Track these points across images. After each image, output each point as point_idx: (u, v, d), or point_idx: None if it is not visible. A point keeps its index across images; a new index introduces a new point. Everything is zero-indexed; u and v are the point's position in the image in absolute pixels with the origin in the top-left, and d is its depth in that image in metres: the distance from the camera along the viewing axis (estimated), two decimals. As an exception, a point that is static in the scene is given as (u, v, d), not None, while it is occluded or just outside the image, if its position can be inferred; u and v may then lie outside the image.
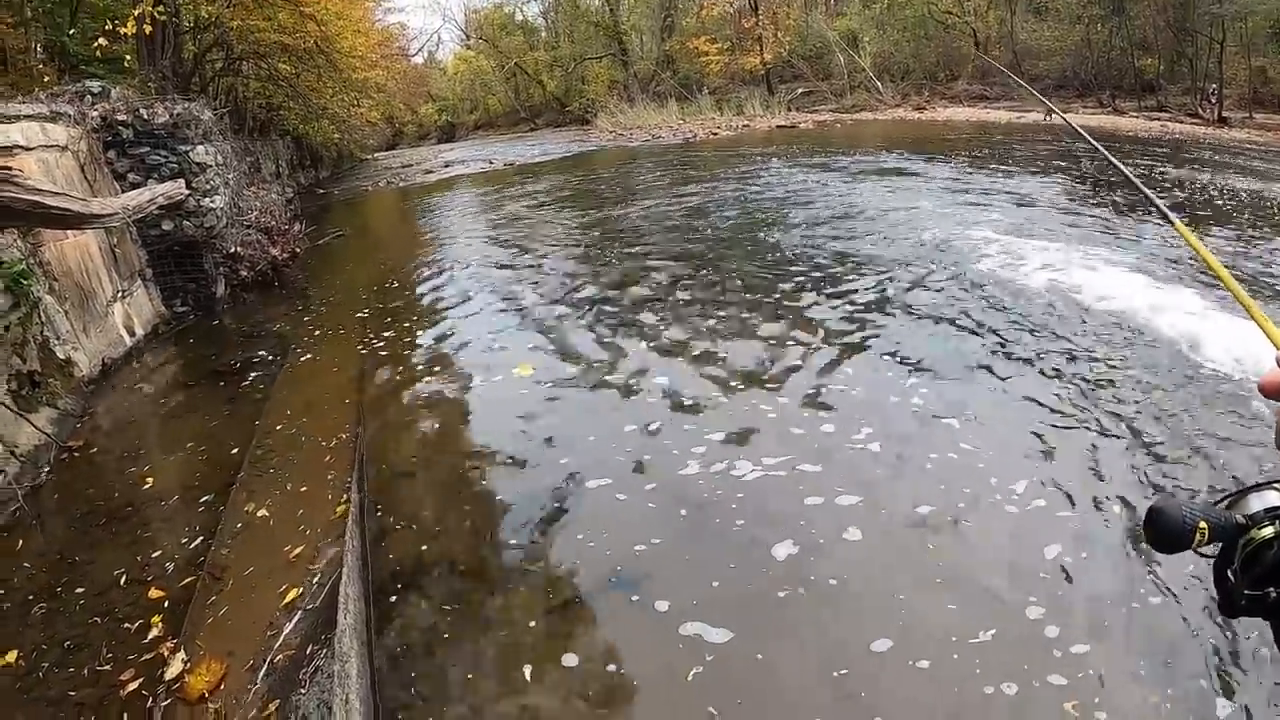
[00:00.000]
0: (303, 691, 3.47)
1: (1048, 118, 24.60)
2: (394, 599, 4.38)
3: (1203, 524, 1.25)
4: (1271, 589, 1.20)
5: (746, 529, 4.59)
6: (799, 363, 6.94)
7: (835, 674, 3.46)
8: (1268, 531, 1.24)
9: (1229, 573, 1.30)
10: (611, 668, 3.63)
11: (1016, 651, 3.53)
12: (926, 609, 3.85)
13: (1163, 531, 1.26)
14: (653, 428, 5.92)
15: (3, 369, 6.18)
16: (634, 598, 4.09)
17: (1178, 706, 3.24)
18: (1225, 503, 1.35)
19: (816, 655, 3.61)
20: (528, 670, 3.71)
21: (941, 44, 37.38)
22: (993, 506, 4.67)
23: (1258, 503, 1.31)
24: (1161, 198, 11.68)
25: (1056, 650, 3.53)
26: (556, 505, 5.08)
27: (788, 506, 4.77)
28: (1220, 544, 1.30)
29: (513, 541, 4.78)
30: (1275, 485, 1.29)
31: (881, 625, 3.72)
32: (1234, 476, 4.70)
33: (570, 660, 3.68)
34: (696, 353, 7.29)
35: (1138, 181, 2.43)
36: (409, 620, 4.20)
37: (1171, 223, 2.10)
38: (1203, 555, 1.30)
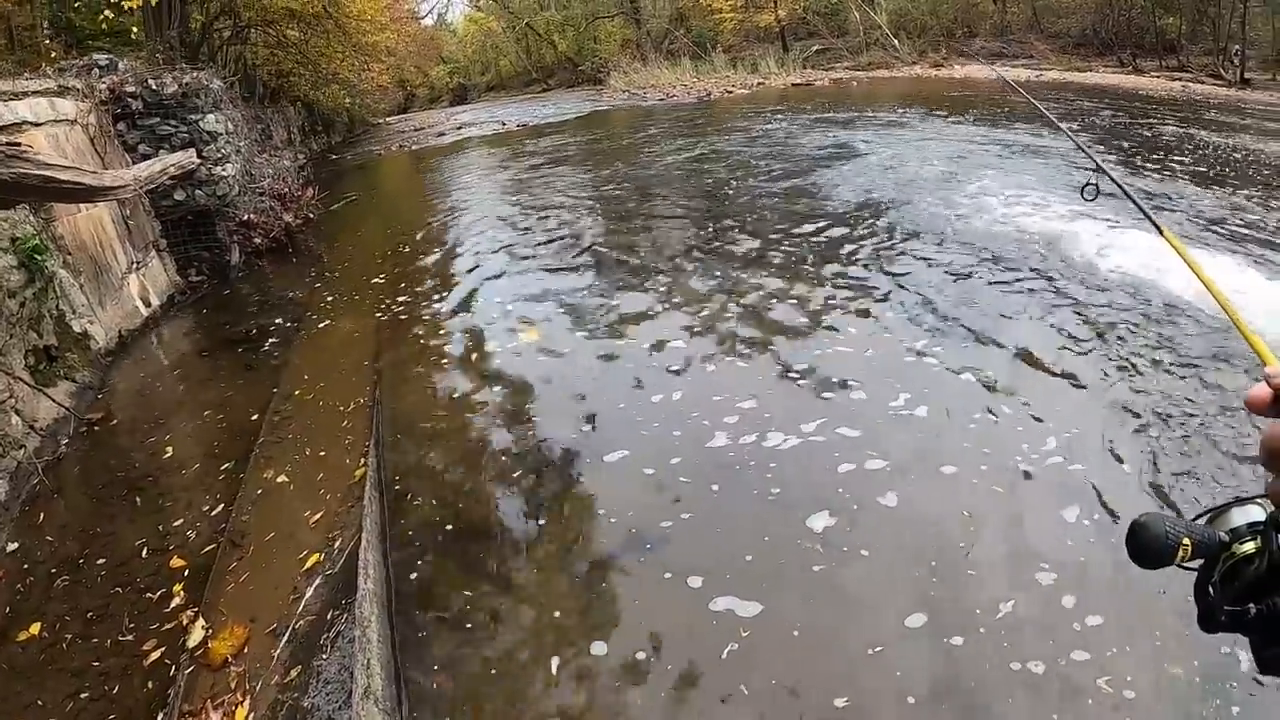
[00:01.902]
0: (324, 656, 3.47)
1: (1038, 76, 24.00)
2: (413, 563, 4.34)
3: (1185, 540, 1.23)
4: (1251, 605, 1.18)
5: (780, 500, 4.47)
6: (824, 323, 6.79)
7: (870, 651, 3.38)
8: (1249, 547, 1.21)
9: (1209, 587, 1.28)
10: (642, 652, 3.51)
11: (1043, 627, 3.44)
12: (960, 582, 3.75)
13: (1144, 547, 1.24)
14: (675, 397, 5.80)
15: (20, 344, 6.17)
16: (666, 575, 3.96)
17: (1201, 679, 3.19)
18: (1207, 517, 1.31)
19: (851, 631, 3.52)
20: (553, 640, 3.67)
21: (960, 0, 36.65)
22: (1031, 473, 4.56)
23: (1240, 517, 1.27)
24: (1181, 159, 11.64)
25: (1077, 624, 3.45)
26: (578, 475, 4.98)
27: (822, 475, 4.65)
28: (1202, 560, 1.28)
29: (532, 513, 4.68)
30: (1258, 500, 1.25)
31: (916, 600, 3.63)
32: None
33: (599, 649, 3.54)
34: (712, 317, 7.15)
35: (1130, 193, 2.58)
36: (428, 584, 4.16)
37: (1160, 232, 2.15)
38: (1186, 569, 1.28)
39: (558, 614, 3.80)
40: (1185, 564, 1.24)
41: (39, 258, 6.59)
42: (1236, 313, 1.56)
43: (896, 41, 35.70)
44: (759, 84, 33.27)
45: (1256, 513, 1.25)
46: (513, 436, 5.58)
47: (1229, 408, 5.03)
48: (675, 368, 6.23)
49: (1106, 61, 27.72)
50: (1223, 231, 8.38)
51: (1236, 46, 23.27)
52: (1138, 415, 5.09)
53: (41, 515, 5.16)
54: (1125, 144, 13.60)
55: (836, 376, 5.80)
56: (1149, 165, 11.71)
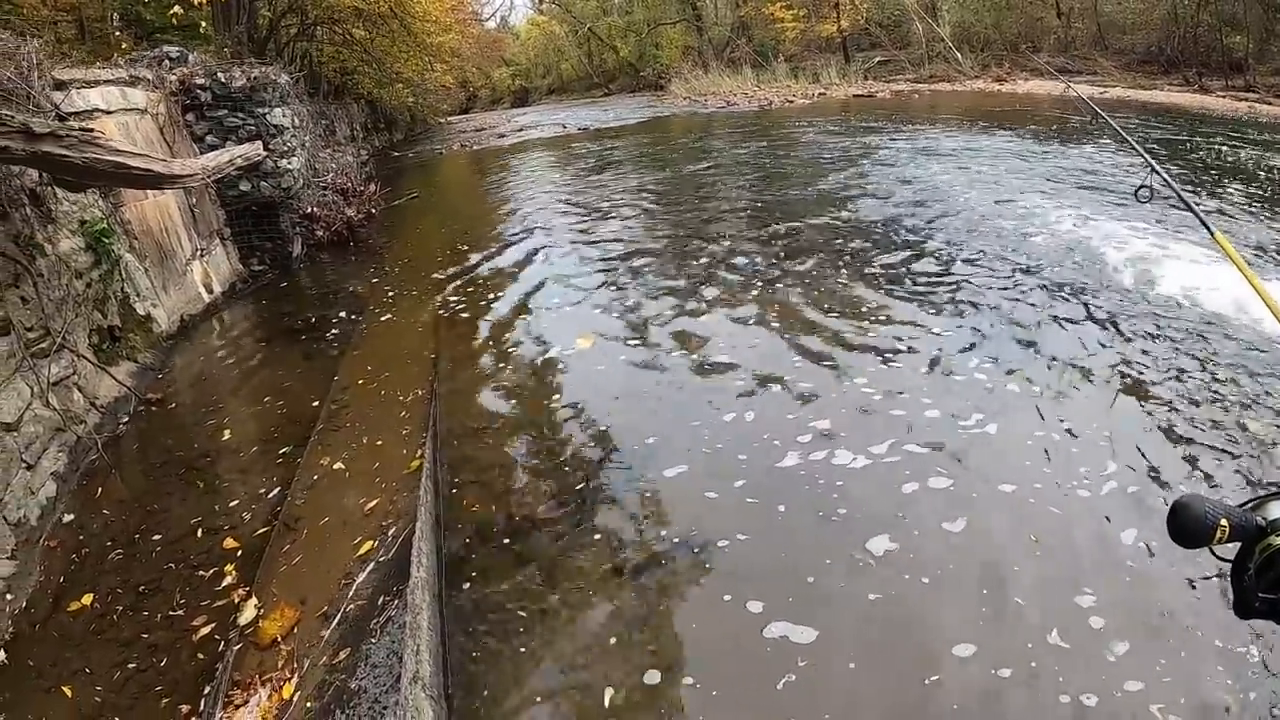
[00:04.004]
0: (373, 640, 3.42)
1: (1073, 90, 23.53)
2: (464, 555, 4.28)
3: (1224, 521, 1.25)
4: None
5: (844, 521, 4.28)
6: (892, 339, 6.55)
7: (925, 681, 3.23)
8: None
9: (1245, 575, 1.31)
10: (692, 679, 3.35)
11: (1090, 659, 3.29)
12: (1011, 610, 3.58)
13: (1184, 525, 1.28)
14: (741, 408, 5.62)
15: (85, 323, 6.25)
16: (726, 597, 3.79)
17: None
18: (1249, 505, 1.35)
19: (906, 662, 3.35)
20: (603, 656, 3.56)
21: (1023, 14, 36.03)
22: (1095, 497, 4.36)
23: (1278, 509, 1.32)
24: (1241, 182, 11.19)
25: (1119, 656, 3.28)
26: (637, 486, 4.80)
27: (887, 496, 4.45)
28: (1239, 544, 1.32)
29: (586, 519, 4.53)
30: None
31: (968, 629, 3.46)
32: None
33: (652, 676, 3.37)
34: (777, 332, 6.91)
35: (1180, 191, 2.62)
36: (479, 576, 4.09)
37: (1212, 234, 2.17)
38: (1219, 558, 1.34)
39: (610, 628, 3.67)
40: (1222, 544, 1.28)
41: (106, 241, 6.68)
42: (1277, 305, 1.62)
43: (959, 54, 35.23)
44: (820, 94, 32.99)
45: None
46: (569, 441, 5.44)
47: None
48: (740, 383, 6.00)
49: (1172, 80, 26.99)
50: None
51: None
52: (1196, 433, 4.87)
53: (99, 489, 5.21)
54: (1184, 164, 13.13)
55: (906, 392, 5.59)
56: (1207, 185, 11.25)
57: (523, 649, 3.56)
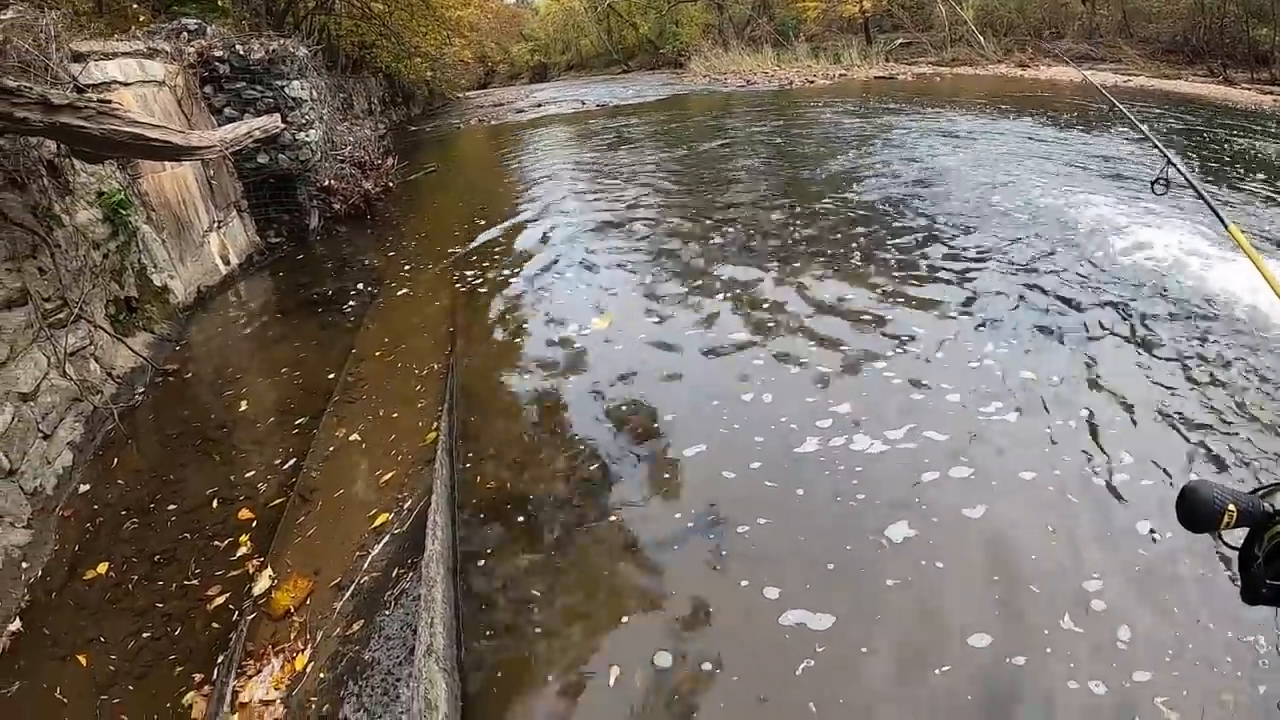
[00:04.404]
0: (387, 613, 3.40)
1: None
2: (478, 529, 4.26)
3: (1231, 506, 1.27)
4: None
5: (863, 507, 4.22)
6: (913, 325, 6.45)
7: (937, 671, 3.19)
8: None
9: (1254, 561, 1.32)
10: (709, 663, 3.30)
11: (1103, 648, 3.25)
12: (1024, 598, 3.53)
13: (1192, 509, 1.30)
14: (759, 389, 5.54)
15: (102, 293, 6.25)
16: (743, 582, 3.73)
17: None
18: (1259, 493, 1.36)
19: (921, 649, 3.31)
20: (616, 636, 3.53)
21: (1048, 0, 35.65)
22: (1105, 484, 4.32)
23: None
24: (1267, 178, 10.95)
25: (1133, 650, 3.25)
26: (655, 466, 4.74)
27: (906, 483, 4.39)
28: (1247, 529, 1.33)
29: (601, 496, 4.49)
30: None
31: (983, 618, 3.42)
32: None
33: (663, 660, 3.32)
34: (796, 314, 6.82)
35: (1195, 183, 2.65)
36: (494, 553, 4.07)
37: (1226, 226, 2.21)
38: (1228, 545, 1.35)
39: (623, 608, 3.64)
40: (1229, 529, 1.31)
41: (124, 212, 6.67)
42: None
43: (982, 39, 34.82)
44: (841, 75, 32.68)
45: None
46: (586, 418, 5.40)
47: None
48: (758, 364, 5.94)
49: (1196, 70, 26.55)
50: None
51: None
52: (1209, 421, 4.84)
53: (115, 460, 5.21)
54: (1206, 155, 12.87)
55: (925, 378, 5.52)
56: (1229, 178, 11.01)
57: (536, 627, 3.53)
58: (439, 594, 3.39)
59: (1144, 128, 4.16)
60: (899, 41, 38.41)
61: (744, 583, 3.72)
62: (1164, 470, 4.37)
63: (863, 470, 4.52)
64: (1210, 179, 10.82)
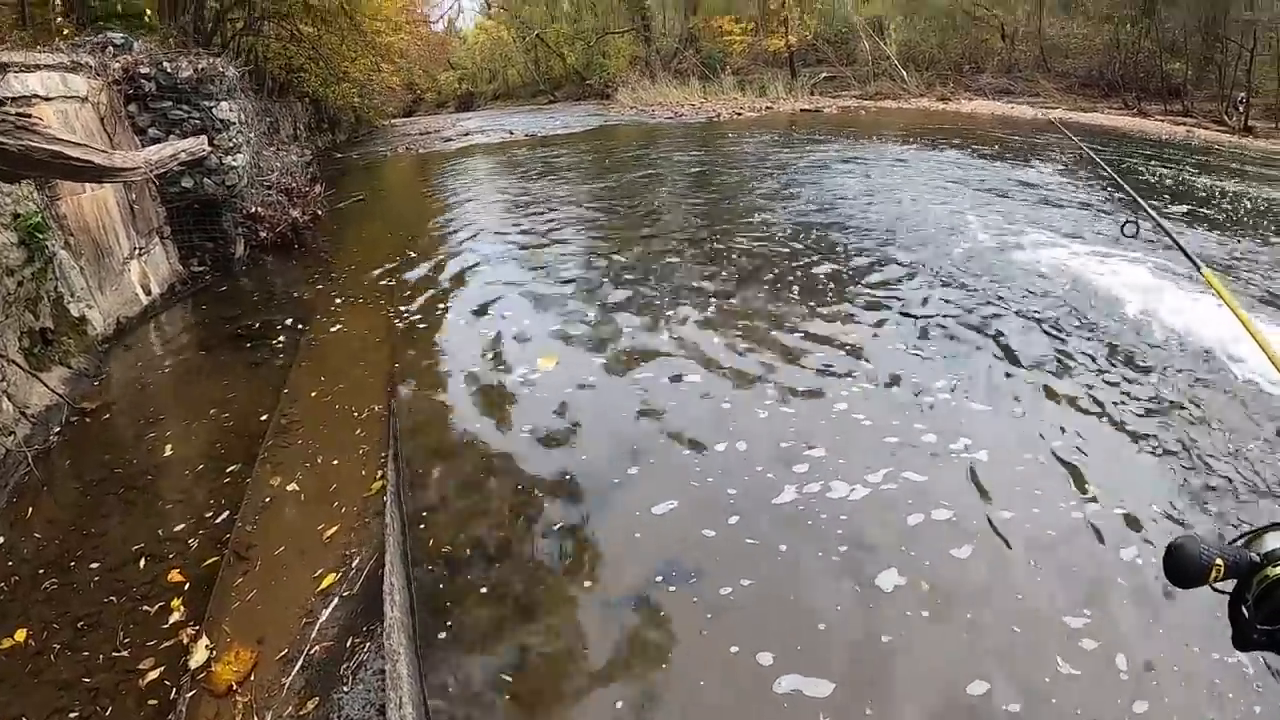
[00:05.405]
0: (346, 689, 3.14)
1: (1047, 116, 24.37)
2: (438, 593, 3.96)
3: (1219, 560, 1.27)
4: None
5: (850, 559, 4.09)
6: (872, 362, 6.44)
7: None
8: None
9: (1243, 608, 1.32)
10: None
11: (1104, 691, 3.21)
12: (1015, 640, 3.50)
13: (1179, 566, 1.29)
14: (730, 437, 5.35)
15: (15, 324, 5.86)
16: (733, 648, 3.52)
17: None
18: (1242, 540, 1.38)
19: (925, 706, 3.21)
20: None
21: (968, 36, 36.75)
22: (1083, 516, 4.34)
23: (1273, 541, 1.34)
24: (1186, 204, 11.55)
25: (1129, 676, 3.26)
26: (623, 523, 4.48)
27: (891, 530, 4.30)
28: (1235, 580, 1.33)
29: (575, 563, 4.19)
30: None
31: (983, 665, 3.36)
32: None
33: None
34: (750, 351, 6.74)
35: (1169, 229, 2.74)
36: (454, 620, 3.76)
37: (1199, 269, 2.22)
38: (1217, 591, 1.32)
39: (609, 686, 3.38)
40: (1218, 583, 1.29)
41: (40, 236, 6.30)
42: (1269, 343, 1.65)
43: (905, 73, 35.72)
44: (767, 108, 33.21)
45: None
46: (543, 471, 5.06)
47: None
48: (715, 409, 5.79)
49: (1112, 103, 27.80)
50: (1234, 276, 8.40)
51: (1241, 94, 23.38)
52: (1178, 453, 4.98)
53: (29, 509, 4.84)
54: (1133, 185, 13.47)
55: (895, 418, 5.49)
56: (1153, 207, 11.58)
57: (511, 707, 3.28)
58: (404, 669, 3.15)
59: (1110, 170, 4.19)
60: (823, 75, 39.20)
61: (734, 649, 3.52)
62: (1136, 500, 4.47)
63: (846, 519, 4.41)
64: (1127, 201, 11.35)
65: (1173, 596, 3.66)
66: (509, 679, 3.39)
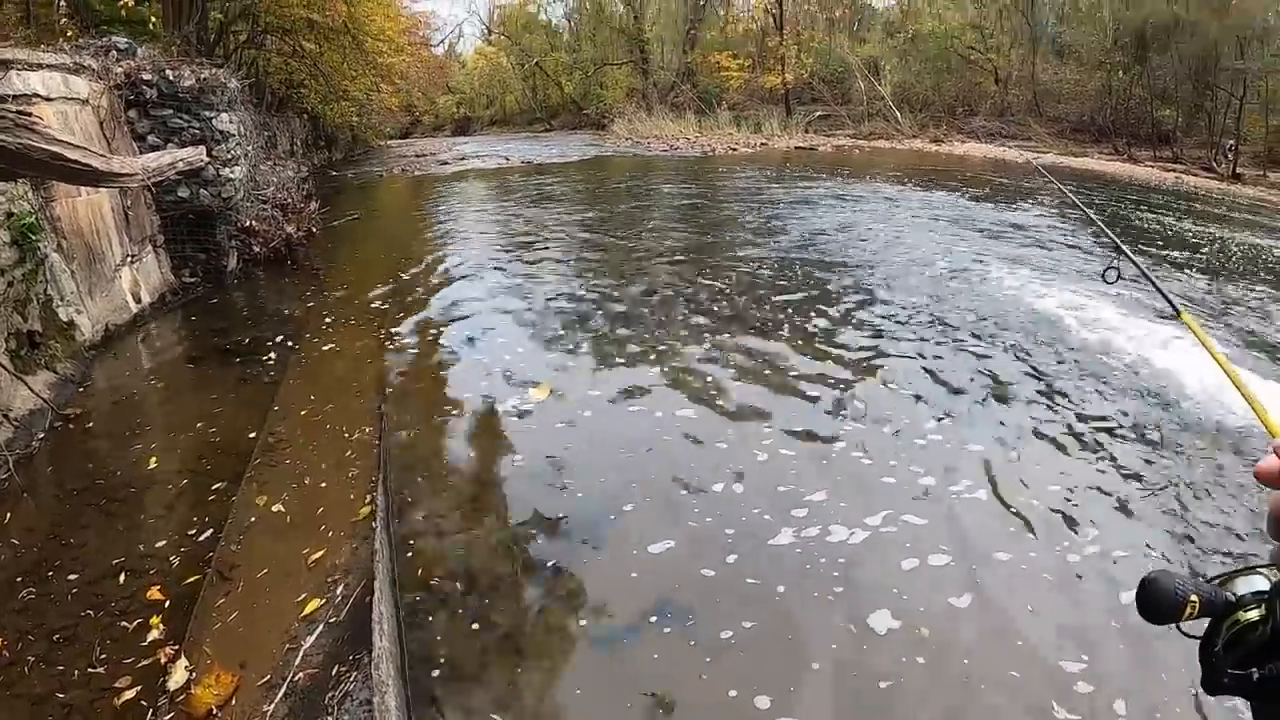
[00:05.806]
0: (330, 719, 3.05)
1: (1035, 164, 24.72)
2: (425, 622, 3.88)
3: (1194, 597, 1.26)
4: (1255, 669, 1.20)
5: (848, 601, 4.03)
6: (871, 403, 6.41)
7: None
8: (1253, 614, 1.24)
9: (1214, 650, 1.28)
10: None
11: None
12: (1012, 685, 3.47)
13: (1154, 601, 1.27)
14: (729, 478, 5.27)
15: (2, 326, 5.79)
16: (731, 692, 3.43)
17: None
18: (1218, 581, 1.33)
19: None
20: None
21: (962, 79, 37.30)
22: (1077, 562, 4.34)
23: (1245, 585, 1.30)
24: (1174, 249, 11.74)
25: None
26: (626, 562, 4.38)
27: (888, 573, 4.25)
28: (1208, 619, 1.30)
29: (569, 602, 4.09)
30: (1261, 570, 1.29)
31: (979, 711, 3.34)
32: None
33: None
34: (749, 390, 6.68)
35: (1149, 274, 2.74)
36: (444, 653, 3.66)
37: (1179, 313, 2.25)
38: (1186, 635, 1.31)
39: None
40: (1190, 620, 1.27)
41: (33, 237, 6.24)
42: (1246, 386, 1.65)
43: (898, 114, 36.15)
44: (762, 144, 33.53)
45: (1261, 582, 1.28)
46: (533, 501, 4.98)
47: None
48: (710, 448, 5.70)
49: (1102, 148, 28.29)
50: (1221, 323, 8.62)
51: (1230, 142, 23.86)
52: (1167, 495, 5.06)
53: (8, 515, 4.74)
54: (1120, 230, 13.67)
55: (894, 459, 5.47)
56: (1142, 251, 11.86)
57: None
58: (391, 701, 3.06)
59: (1092, 214, 4.25)
60: (818, 113, 39.68)
61: (733, 693, 3.44)
62: (1123, 544, 4.50)
63: (844, 562, 4.36)
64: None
65: (1169, 640, 3.60)
66: (497, 718, 3.30)
